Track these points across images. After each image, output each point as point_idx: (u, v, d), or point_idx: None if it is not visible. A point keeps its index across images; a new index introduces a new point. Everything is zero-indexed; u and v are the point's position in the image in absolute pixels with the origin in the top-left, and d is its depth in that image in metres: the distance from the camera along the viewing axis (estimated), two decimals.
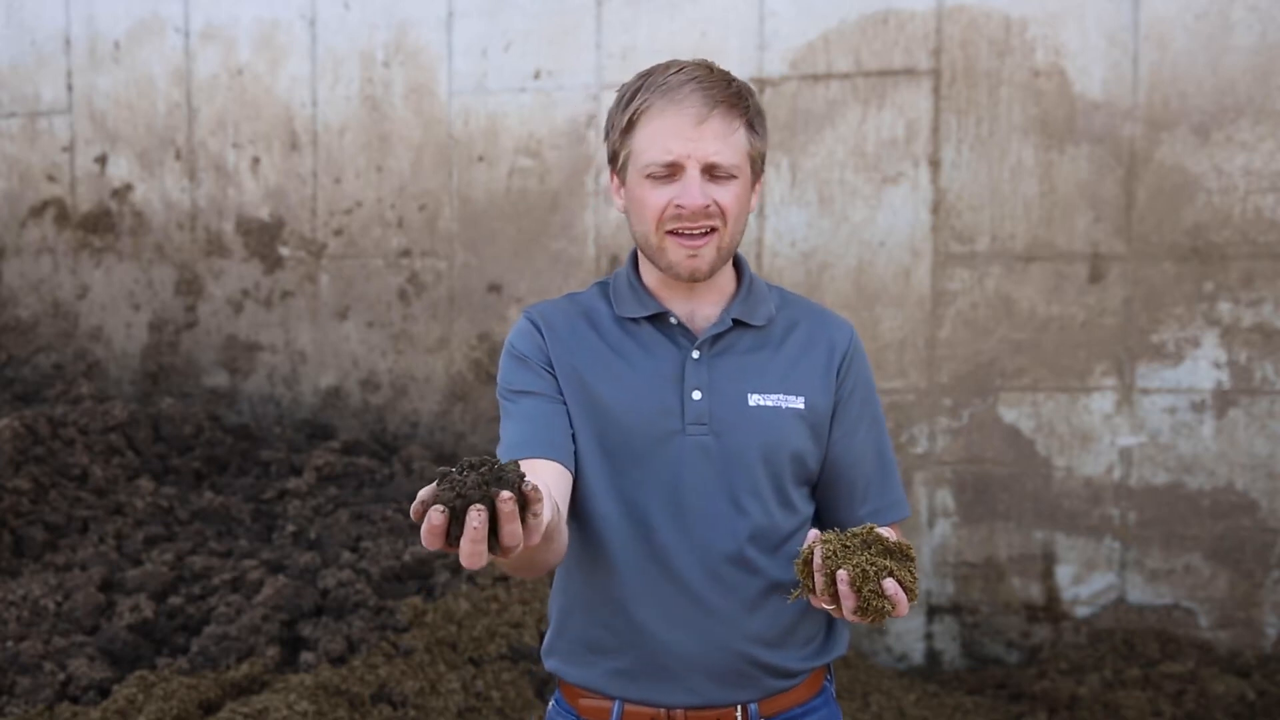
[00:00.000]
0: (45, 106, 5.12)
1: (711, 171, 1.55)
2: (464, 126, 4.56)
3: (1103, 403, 3.95)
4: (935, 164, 4.05)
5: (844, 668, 3.78)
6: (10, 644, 3.01)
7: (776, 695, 1.63)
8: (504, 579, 3.48)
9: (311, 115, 4.75)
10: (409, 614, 3.24)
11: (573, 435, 1.59)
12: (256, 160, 4.83)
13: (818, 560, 1.39)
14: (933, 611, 4.14)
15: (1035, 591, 4.04)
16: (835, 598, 1.38)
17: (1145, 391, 3.92)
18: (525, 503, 1.16)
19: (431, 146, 4.60)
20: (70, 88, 5.08)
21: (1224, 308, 3.84)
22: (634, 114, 1.56)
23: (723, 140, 1.54)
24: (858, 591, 1.36)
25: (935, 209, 4.05)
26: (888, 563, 1.37)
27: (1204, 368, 3.87)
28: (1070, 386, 3.97)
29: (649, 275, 1.65)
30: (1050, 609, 4.03)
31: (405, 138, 4.63)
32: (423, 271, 4.65)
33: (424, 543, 1.15)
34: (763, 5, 4.19)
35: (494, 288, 4.55)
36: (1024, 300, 3.99)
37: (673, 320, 1.63)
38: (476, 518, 1.12)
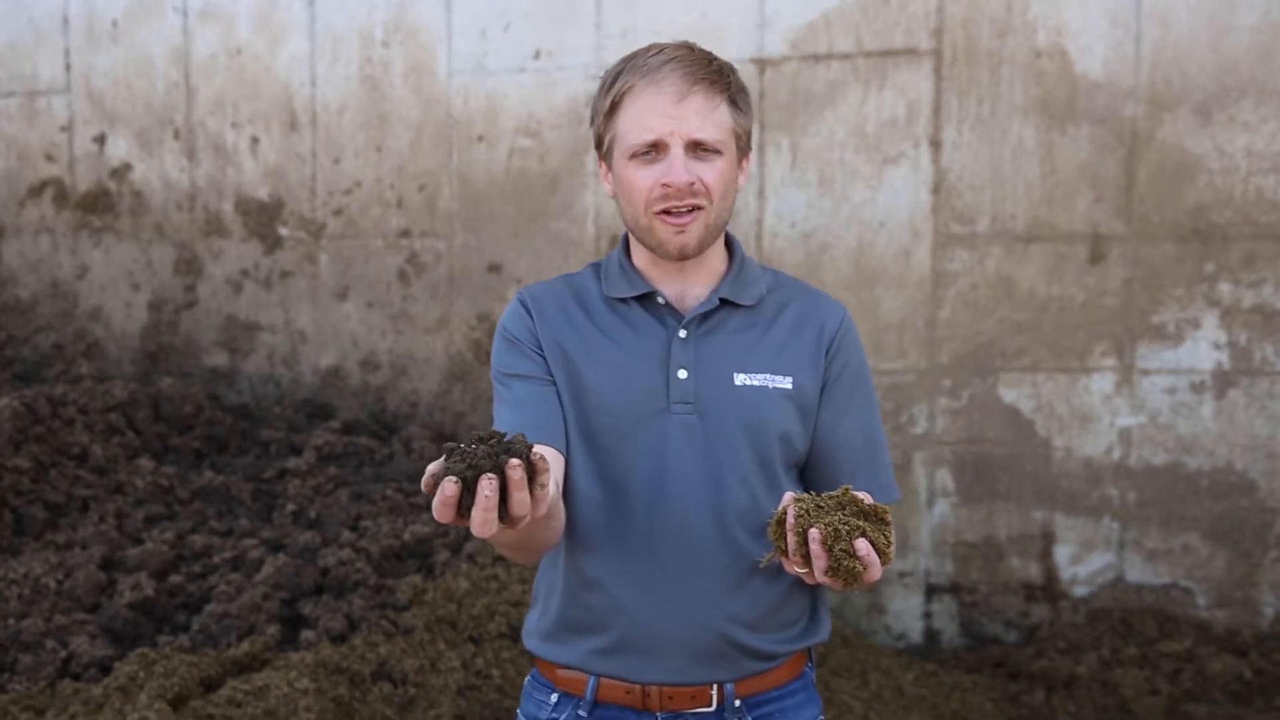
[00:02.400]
0: (43, 86, 5.11)
1: (695, 149, 1.55)
2: (463, 106, 4.54)
3: (1102, 383, 3.96)
4: (936, 144, 4.04)
5: (843, 646, 3.80)
6: (12, 622, 3.02)
7: (753, 677, 1.63)
8: (504, 557, 3.49)
9: (310, 95, 4.73)
10: (409, 592, 3.24)
11: (564, 416, 1.60)
12: (255, 140, 4.82)
13: (790, 520, 1.37)
14: (931, 591, 4.16)
15: (1034, 571, 4.05)
16: (807, 559, 1.37)
17: (1145, 372, 3.92)
18: (533, 472, 1.20)
19: (431, 126, 4.59)
20: (68, 67, 5.06)
21: (1224, 289, 3.84)
22: (616, 97, 1.57)
23: (704, 117, 1.54)
24: (829, 550, 1.34)
25: (936, 189, 4.05)
26: (861, 523, 1.36)
27: (1204, 348, 3.87)
28: (1070, 367, 3.98)
29: (639, 256, 1.66)
30: (1049, 588, 4.04)
31: (404, 117, 4.62)
32: (422, 252, 4.64)
33: (436, 515, 1.18)
34: None
35: (494, 268, 4.55)
36: (1024, 281, 3.99)
37: (660, 300, 1.63)
38: (488, 486, 1.15)
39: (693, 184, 1.54)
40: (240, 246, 4.89)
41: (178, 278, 4.99)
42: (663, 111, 1.53)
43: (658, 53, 1.56)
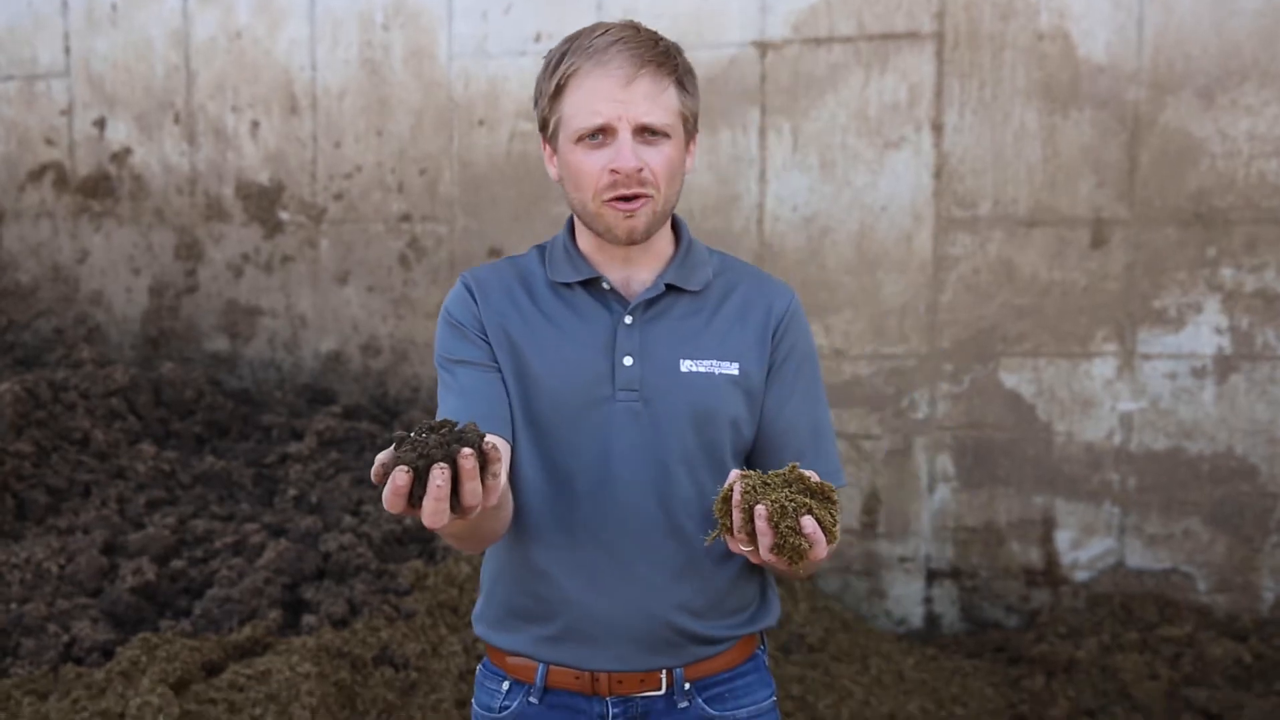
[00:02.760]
0: (43, 69, 5.09)
1: (643, 133, 1.52)
2: (464, 90, 4.53)
3: (1104, 368, 3.95)
4: (938, 128, 4.02)
5: (843, 631, 3.81)
6: (14, 606, 3.02)
7: (702, 661, 1.62)
8: None
9: (311, 79, 4.72)
10: (410, 577, 3.25)
11: (510, 403, 1.58)
12: (256, 124, 4.81)
13: (737, 496, 1.34)
14: (932, 576, 4.16)
15: (1034, 556, 4.06)
16: (752, 536, 1.34)
17: (1146, 357, 3.92)
18: (485, 461, 1.18)
19: (431, 110, 4.57)
20: (68, 50, 5.05)
21: (1226, 273, 3.83)
22: (561, 79, 1.53)
23: (653, 100, 1.51)
24: (775, 527, 1.31)
25: (937, 173, 4.03)
26: (808, 500, 1.34)
27: (1205, 333, 3.87)
28: (1071, 352, 3.97)
29: (584, 240, 1.63)
30: (1049, 573, 4.05)
31: (405, 101, 4.61)
32: (423, 236, 4.63)
33: (386, 505, 1.17)
34: None
35: (495, 252, 4.54)
36: (1026, 265, 3.98)
37: (605, 285, 1.60)
38: (440, 476, 1.14)
39: (640, 170, 1.51)
40: (241, 231, 4.88)
41: (178, 262, 4.99)
42: (610, 95, 1.50)
43: (603, 33, 1.53)
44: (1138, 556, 3.97)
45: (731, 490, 1.36)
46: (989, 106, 3.97)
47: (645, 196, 1.53)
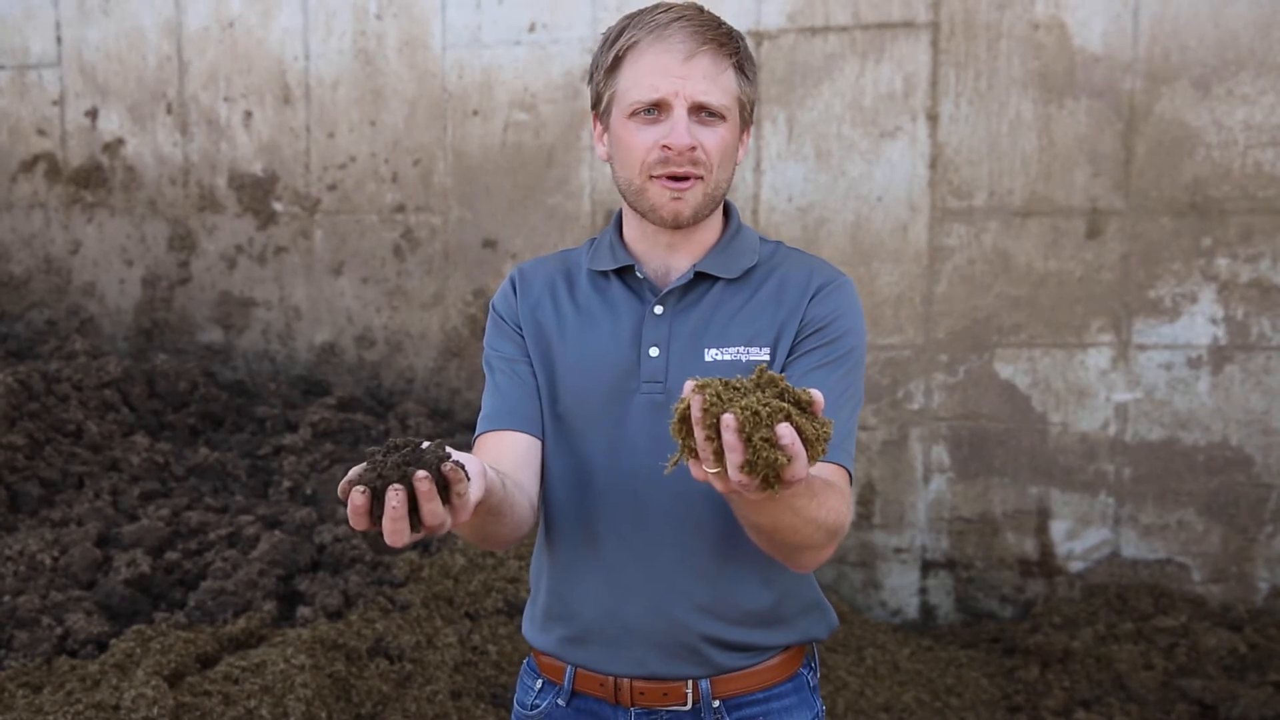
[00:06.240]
0: (34, 59, 5.06)
1: (699, 112, 1.47)
2: (458, 80, 4.51)
3: (1099, 359, 3.95)
4: (933, 118, 4.01)
5: (838, 622, 3.80)
6: (8, 598, 3.01)
7: (731, 675, 1.53)
8: None
9: (304, 68, 4.69)
10: (405, 569, 3.24)
11: (541, 398, 1.56)
12: (249, 114, 4.78)
13: (697, 411, 1.12)
14: (927, 566, 4.16)
15: (1030, 547, 4.06)
16: (720, 456, 1.13)
17: (1142, 347, 3.92)
18: (446, 483, 1.17)
19: (425, 100, 4.56)
20: (59, 40, 5.02)
21: (1222, 263, 3.83)
22: (619, 52, 1.49)
23: (711, 80, 1.47)
24: (747, 440, 1.09)
25: (933, 164, 4.02)
26: (785, 405, 1.11)
27: (1201, 323, 3.87)
28: (1067, 342, 3.97)
29: (630, 228, 1.59)
30: (1044, 564, 4.05)
31: (399, 91, 4.59)
32: (417, 227, 4.62)
33: (350, 522, 1.17)
34: None
35: (489, 243, 4.52)
36: (1021, 256, 3.98)
37: (639, 274, 1.56)
38: (394, 497, 1.14)
39: (694, 148, 1.45)
40: (234, 222, 4.86)
41: (172, 253, 4.97)
42: (668, 70, 1.46)
43: (666, 10, 1.50)
44: (1133, 547, 3.97)
45: (689, 405, 1.14)
46: (984, 96, 3.96)
47: (696, 178, 1.48)
